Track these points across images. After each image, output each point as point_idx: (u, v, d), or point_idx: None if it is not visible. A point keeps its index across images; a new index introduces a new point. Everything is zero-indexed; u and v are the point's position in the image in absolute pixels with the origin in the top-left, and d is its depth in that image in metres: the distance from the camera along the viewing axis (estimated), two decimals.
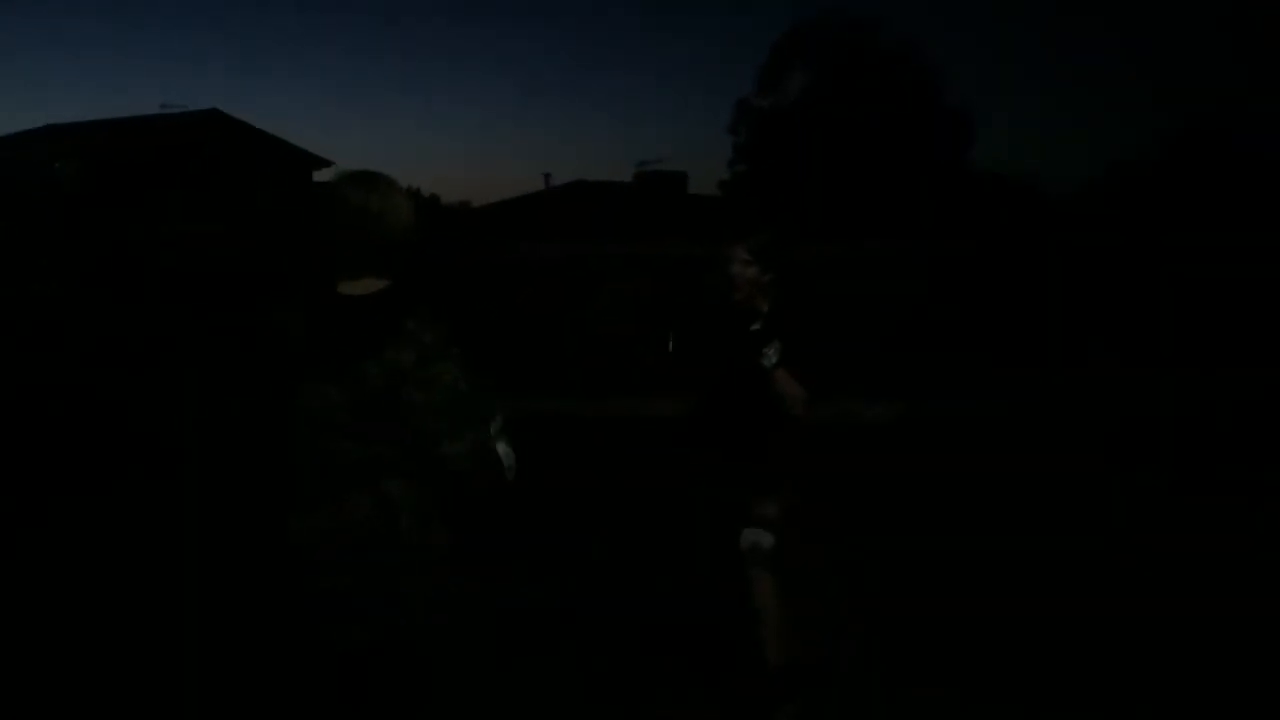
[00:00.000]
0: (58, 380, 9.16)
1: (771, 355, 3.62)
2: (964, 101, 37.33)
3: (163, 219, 16.09)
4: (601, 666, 4.15)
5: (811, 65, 36.05)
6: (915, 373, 10.72)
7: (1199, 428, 8.34)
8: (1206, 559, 5.46)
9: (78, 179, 26.02)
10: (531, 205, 32.66)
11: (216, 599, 4.56)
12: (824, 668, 3.99)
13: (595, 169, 77.95)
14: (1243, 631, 4.52)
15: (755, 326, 3.74)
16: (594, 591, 4.88)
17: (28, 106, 75.44)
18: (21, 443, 7.26)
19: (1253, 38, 56.38)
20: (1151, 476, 7.16)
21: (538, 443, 3.21)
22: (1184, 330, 11.65)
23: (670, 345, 3.96)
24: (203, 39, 71.92)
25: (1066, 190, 29.82)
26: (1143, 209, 20.94)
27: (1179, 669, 4.17)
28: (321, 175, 33.06)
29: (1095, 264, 14.48)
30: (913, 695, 3.94)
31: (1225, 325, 11.73)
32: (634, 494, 6.13)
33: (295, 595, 2.40)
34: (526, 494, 2.84)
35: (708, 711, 3.82)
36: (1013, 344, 12.43)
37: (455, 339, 2.45)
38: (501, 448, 2.52)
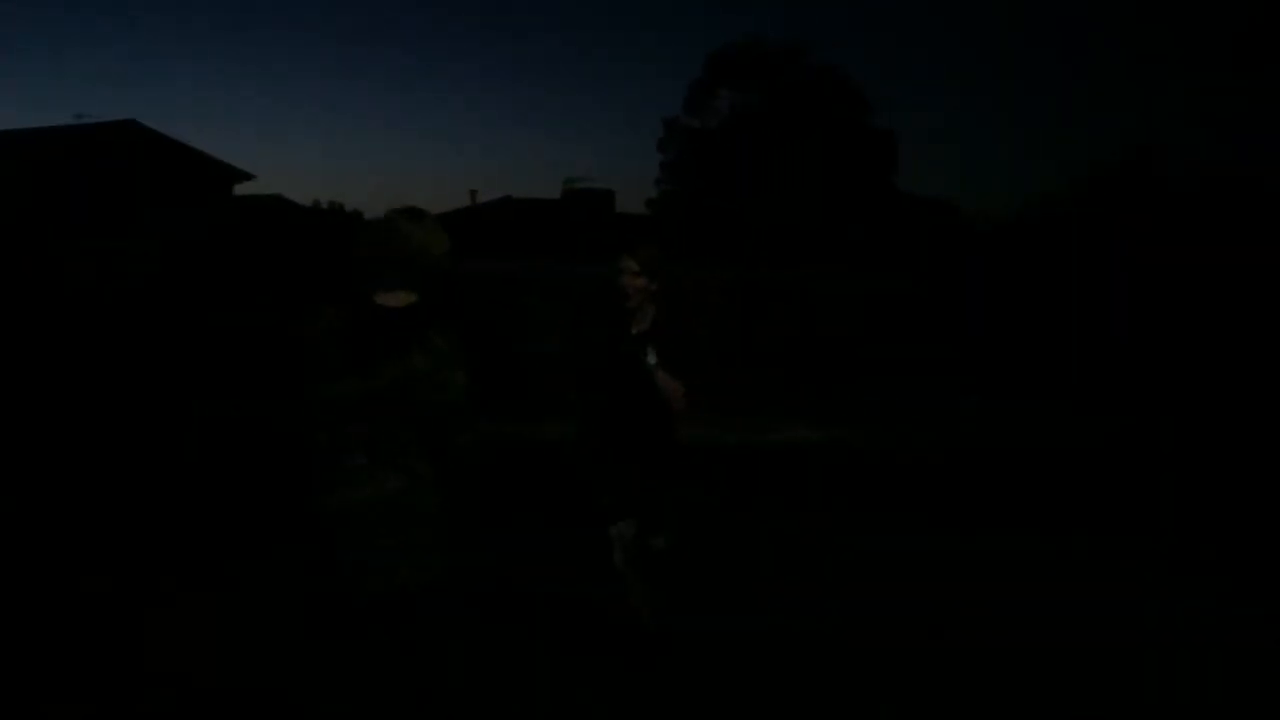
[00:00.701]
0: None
1: (651, 356, 3.98)
2: (890, 124, 37.84)
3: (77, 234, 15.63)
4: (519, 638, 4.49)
5: (740, 85, 36.40)
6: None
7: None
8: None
9: None
10: (460, 220, 32.45)
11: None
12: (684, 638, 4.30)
13: (523, 186, 77.80)
14: None
15: (638, 331, 4.12)
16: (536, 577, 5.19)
17: None
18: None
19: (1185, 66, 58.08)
20: None
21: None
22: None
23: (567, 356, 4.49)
24: (118, 50, 69.98)
25: (990, 217, 30.34)
26: (1066, 236, 21.37)
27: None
28: (243, 188, 32.44)
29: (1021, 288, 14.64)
30: None
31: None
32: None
33: (324, 556, 2.82)
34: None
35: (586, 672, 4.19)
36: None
37: (466, 348, 2.93)
38: None
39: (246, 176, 32.36)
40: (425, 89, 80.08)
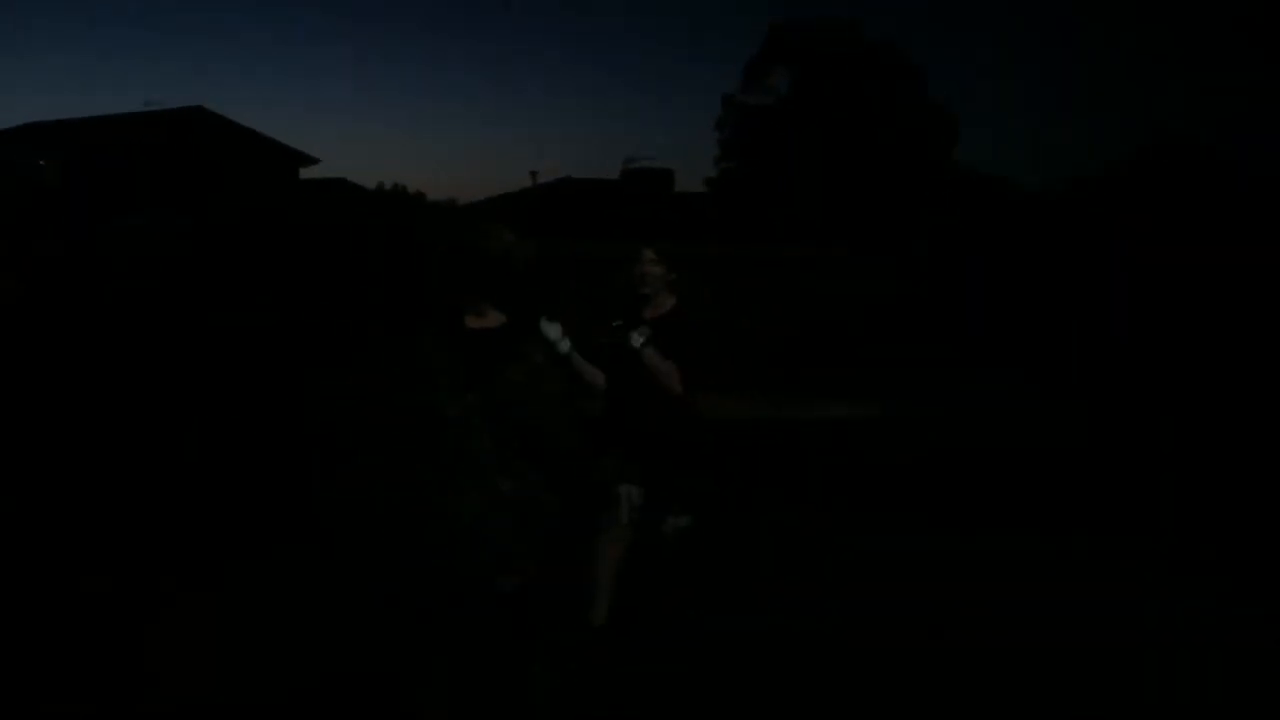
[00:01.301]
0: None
1: (638, 337, 4.08)
2: (947, 101, 37.21)
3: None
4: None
5: (797, 62, 36.03)
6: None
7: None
8: None
9: (59, 176, 25.89)
10: (517, 202, 32.66)
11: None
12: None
13: (583, 167, 77.88)
14: None
15: (653, 317, 4.20)
16: None
17: (7, 106, 74.69)
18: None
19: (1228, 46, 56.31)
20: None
21: None
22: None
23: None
24: (185, 36, 71.26)
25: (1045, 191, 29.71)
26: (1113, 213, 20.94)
27: None
28: (309, 172, 32.99)
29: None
30: None
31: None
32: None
33: (454, 552, 3.03)
34: None
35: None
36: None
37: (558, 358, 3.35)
38: None
39: (311, 160, 32.93)
40: (486, 72, 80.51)
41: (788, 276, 14.36)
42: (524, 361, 3.08)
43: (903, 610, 4.76)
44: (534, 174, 37.90)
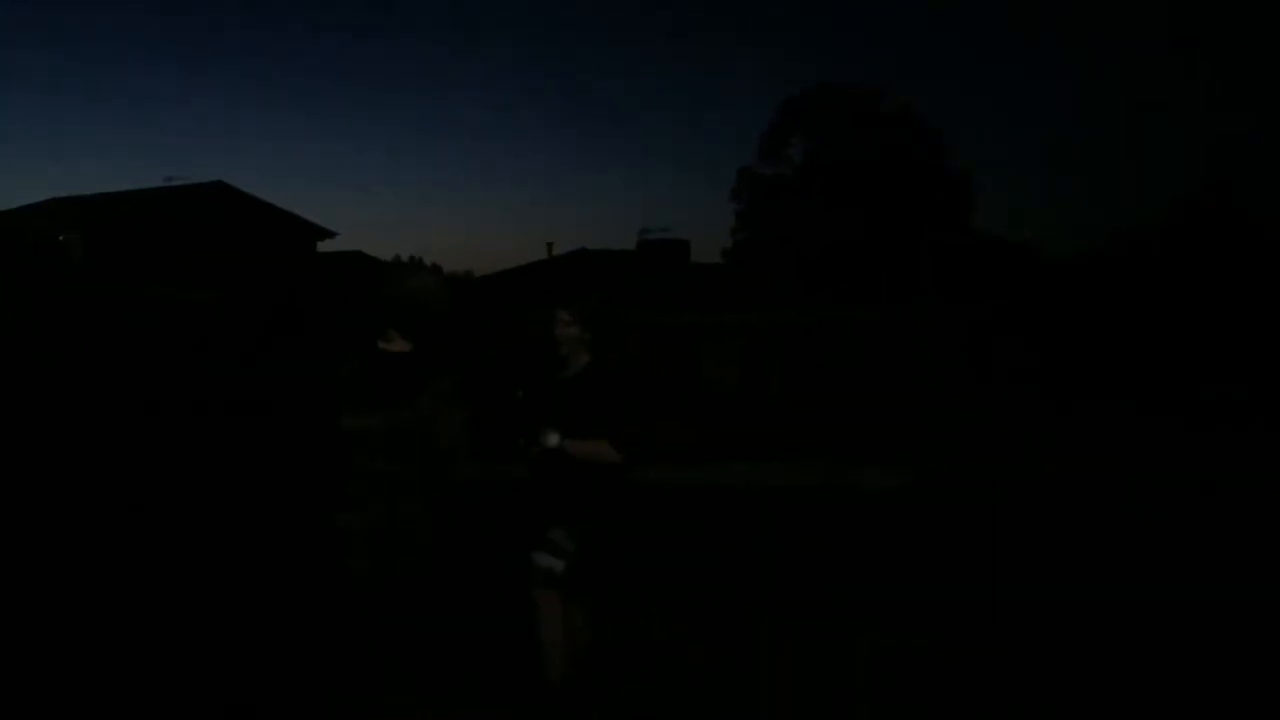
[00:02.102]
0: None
1: (551, 438, 4.04)
2: (964, 167, 37.42)
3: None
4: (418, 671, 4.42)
5: (813, 132, 36.41)
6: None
7: None
8: None
9: (82, 250, 26.08)
10: (535, 273, 32.76)
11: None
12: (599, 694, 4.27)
13: (599, 238, 78.61)
14: None
15: (569, 374, 4.25)
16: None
17: (29, 180, 76.07)
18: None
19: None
20: None
21: None
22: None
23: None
24: (203, 114, 72.50)
25: (1069, 254, 29.73)
26: (1147, 273, 20.84)
27: None
28: (325, 246, 33.21)
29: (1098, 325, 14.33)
30: None
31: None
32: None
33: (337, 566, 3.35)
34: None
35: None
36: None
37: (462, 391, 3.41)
38: None
39: (328, 234, 33.21)
40: (501, 144, 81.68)
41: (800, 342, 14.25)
42: (432, 390, 3.33)
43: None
44: (550, 245, 38.06)
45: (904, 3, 65.81)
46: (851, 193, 33.41)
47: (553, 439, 4.02)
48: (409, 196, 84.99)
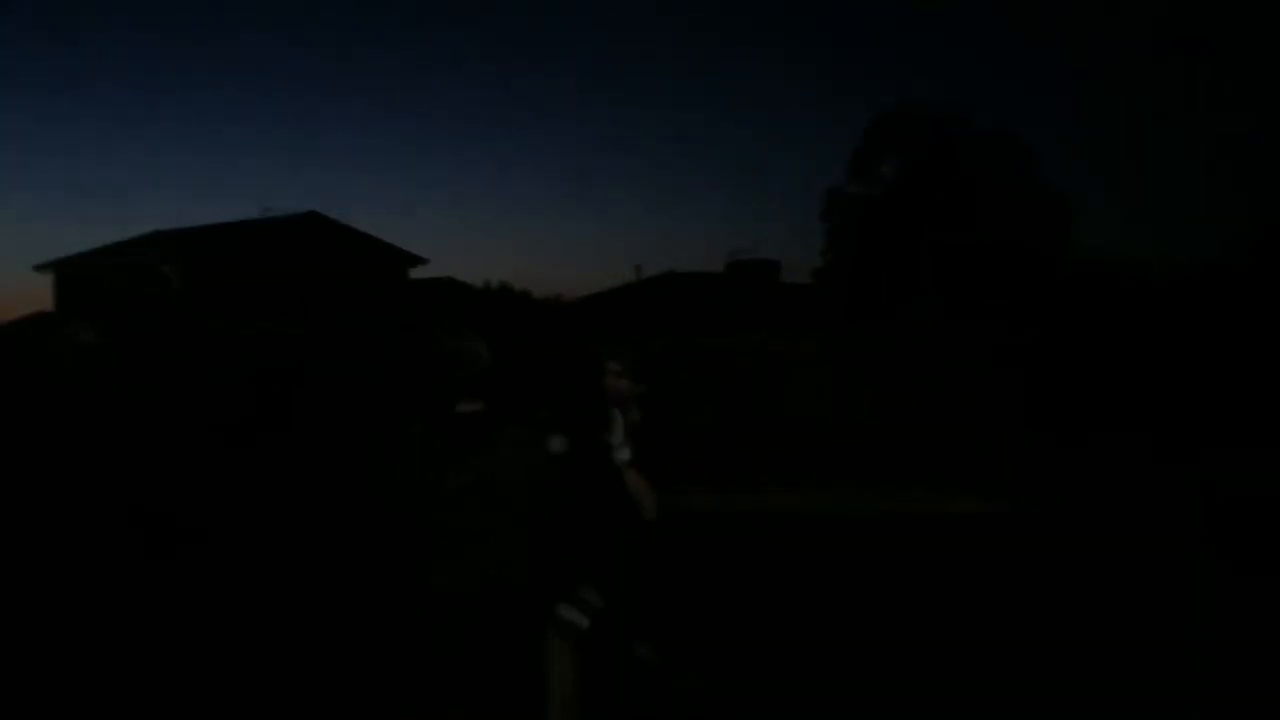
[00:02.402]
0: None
1: (625, 451, 4.03)
2: (1061, 185, 36.28)
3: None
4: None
5: (904, 150, 35.78)
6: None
7: None
8: None
9: (182, 280, 26.84)
10: (623, 297, 32.74)
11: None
12: None
13: (688, 260, 78.46)
14: None
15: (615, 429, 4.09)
16: None
17: (135, 216, 78.86)
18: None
19: None
20: None
21: None
22: None
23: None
24: (297, 141, 74.26)
25: (1174, 275, 28.47)
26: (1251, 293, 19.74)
27: None
28: (417, 272, 33.69)
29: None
30: None
31: None
32: None
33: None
34: None
35: None
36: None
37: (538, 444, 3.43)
38: None
39: (421, 261, 33.68)
40: (590, 169, 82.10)
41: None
42: (506, 442, 3.30)
43: None
44: (638, 268, 38.06)
45: (987, 22, 64.23)
46: (944, 213, 32.69)
47: (624, 452, 3.98)
48: (497, 223, 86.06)
